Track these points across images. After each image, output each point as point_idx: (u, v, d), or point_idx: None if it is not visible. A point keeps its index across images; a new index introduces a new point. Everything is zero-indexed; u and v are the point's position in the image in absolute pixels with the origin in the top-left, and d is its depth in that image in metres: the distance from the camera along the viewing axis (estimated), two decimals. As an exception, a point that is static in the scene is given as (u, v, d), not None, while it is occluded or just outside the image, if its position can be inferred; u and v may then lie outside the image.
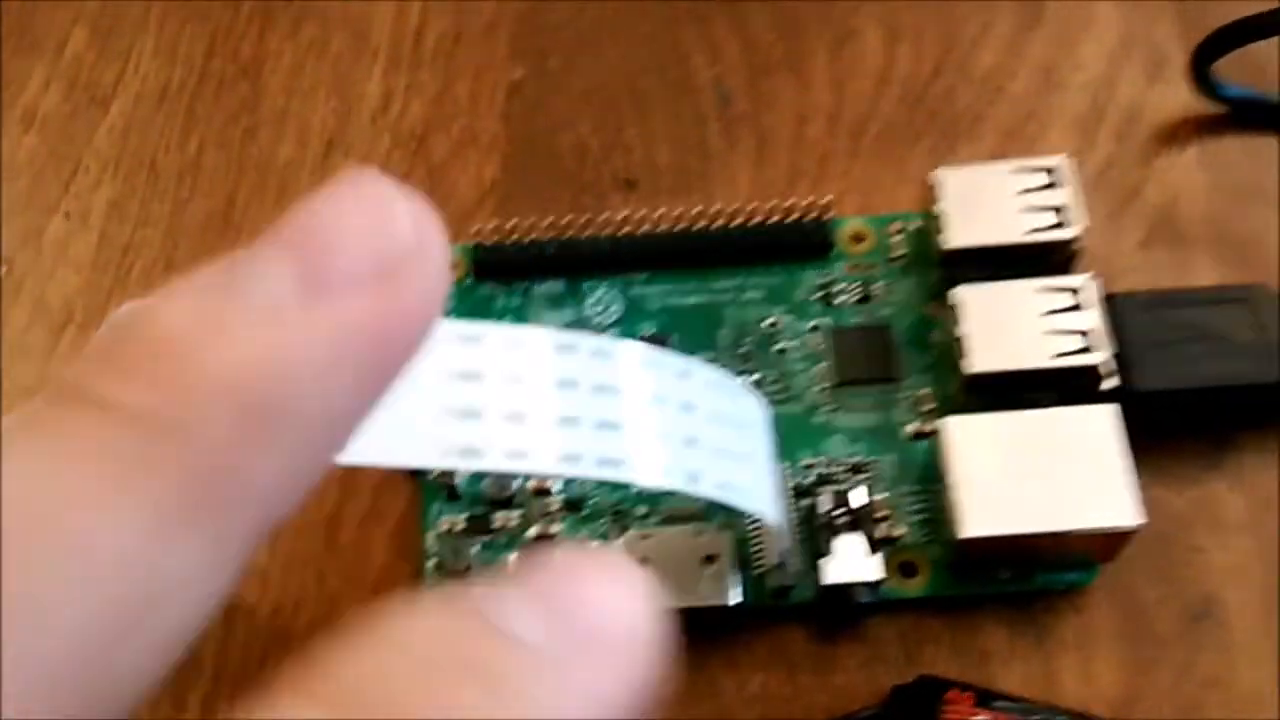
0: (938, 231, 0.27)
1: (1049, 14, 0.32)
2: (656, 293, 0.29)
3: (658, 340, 0.28)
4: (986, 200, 0.27)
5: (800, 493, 0.27)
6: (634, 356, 0.21)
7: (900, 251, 0.29)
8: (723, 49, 0.33)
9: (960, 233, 0.27)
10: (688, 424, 0.21)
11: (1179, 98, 0.31)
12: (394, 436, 0.17)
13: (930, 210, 0.27)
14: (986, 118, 0.31)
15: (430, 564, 0.27)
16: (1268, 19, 0.29)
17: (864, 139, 0.31)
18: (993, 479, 0.24)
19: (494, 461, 0.19)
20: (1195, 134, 0.31)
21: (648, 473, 0.20)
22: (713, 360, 0.28)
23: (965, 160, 0.31)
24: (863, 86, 0.32)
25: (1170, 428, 0.27)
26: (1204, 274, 0.29)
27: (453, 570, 0.26)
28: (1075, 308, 0.26)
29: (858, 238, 0.29)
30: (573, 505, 0.27)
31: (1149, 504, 0.26)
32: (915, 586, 0.26)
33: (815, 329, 0.28)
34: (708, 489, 0.21)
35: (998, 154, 0.31)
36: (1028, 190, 0.27)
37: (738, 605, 0.25)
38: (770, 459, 0.24)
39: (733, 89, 0.32)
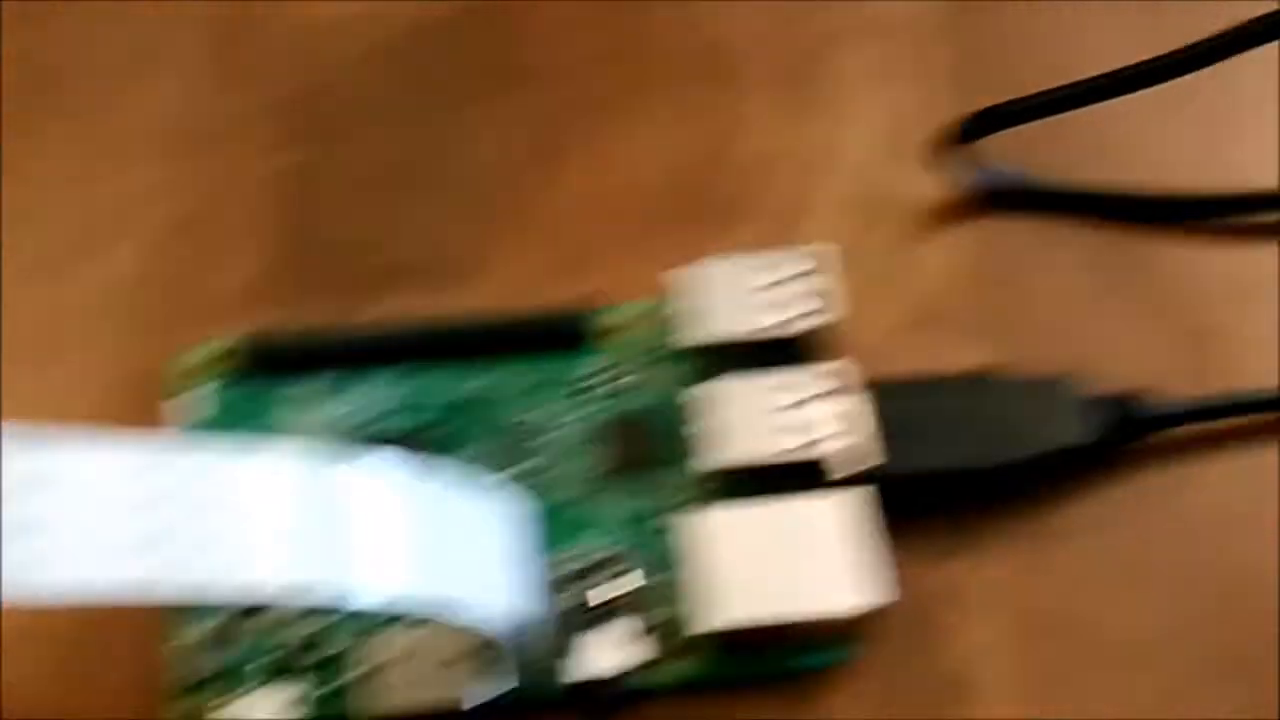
0: (684, 325, 0.27)
1: (817, 97, 0.33)
2: (421, 387, 0.29)
3: (420, 436, 0.28)
4: (736, 291, 0.27)
5: (561, 584, 0.27)
6: (364, 467, 0.21)
7: (659, 342, 0.29)
8: (489, 139, 0.33)
9: (707, 326, 0.27)
10: (419, 536, 0.21)
11: (943, 181, 0.31)
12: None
13: (679, 303, 0.28)
14: (751, 204, 0.32)
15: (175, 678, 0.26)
16: (1023, 104, 0.30)
17: (632, 226, 0.31)
18: (736, 569, 0.25)
19: (184, 590, 0.18)
20: (958, 217, 0.31)
21: (365, 594, 0.20)
22: (474, 456, 0.28)
23: (730, 247, 0.31)
24: (628, 177, 0.32)
25: (922, 508, 0.28)
26: (964, 357, 0.30)
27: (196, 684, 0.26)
28: (824, 396, 0.26)
29: (622, 326, 0.29)
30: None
31: (902, 583, 0.27)
32: (678, 671, 0.26)
33: (576, 421, 0.28)
34: (435, 606, 0.21)
35: (763, 240, 0.31)
36: (779, 280, 0.27)
37: (496, 701, 0.25)
38: (521, 558, 0.24)
39: (500, 180, 0.32)
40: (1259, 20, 0.27)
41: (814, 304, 0.27)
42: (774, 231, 0.31)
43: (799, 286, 0.27)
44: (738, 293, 0.27)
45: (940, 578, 0.27)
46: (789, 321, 0.27)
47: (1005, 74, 0.33)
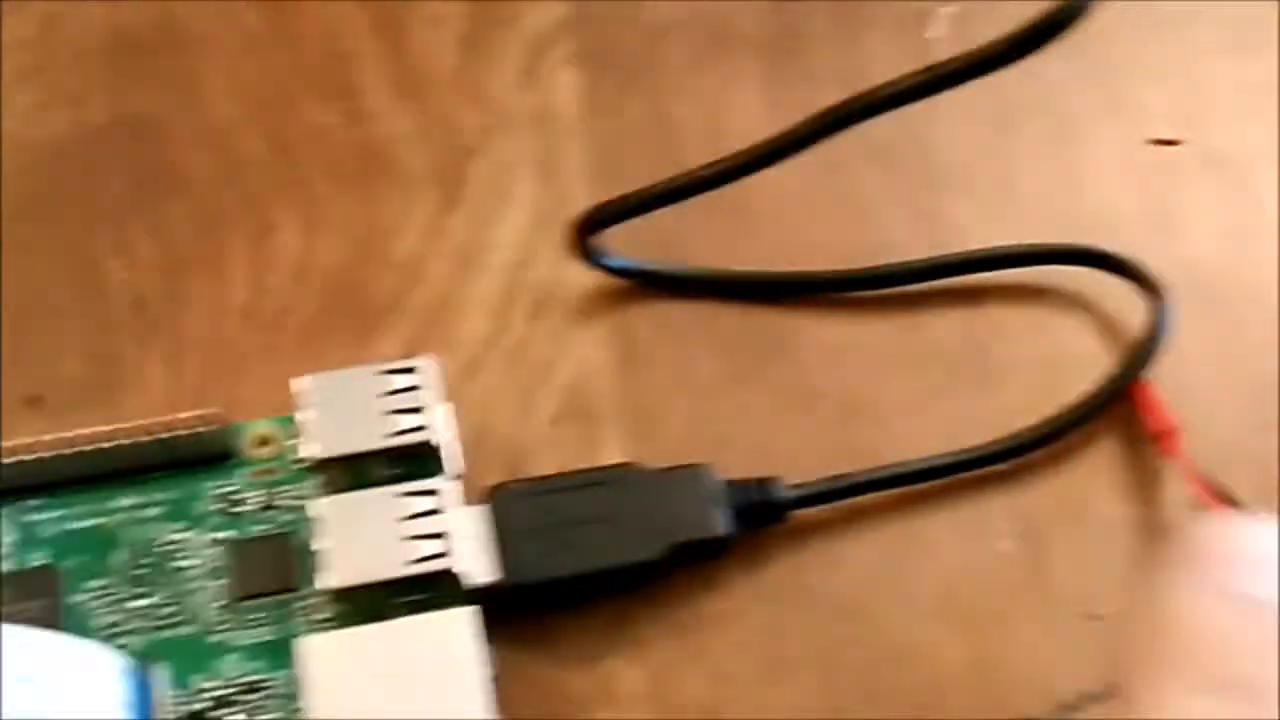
0: (309, 439, 0.27)
1: (468, 194, 0.33)
2: (51, 519, 0.28)
3: (48, 572, 0.27)
4: (351, 405, 0.27)
5: (196, 718, 0.26)
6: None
7: (295, 457, 0.29)
8: (138, 252, 0.32)
9: (323, 442, 0.27)
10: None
11: (591, 272, 0.32)
12: None
13: (305, 416, 0.27)
14: (404, 306, 0.31)
15: None
16: (640, 197, 0.30)
17: (280, 335, 0.31)
18: (348, 695, 0.24)
19: None
20: (606, 308, 0.32)
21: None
22: (104, 585, 0.27)
23: (381, 351, 0.31)
24: (281, 281, 0.32)
25: (566, 608, 0.28)
26: (608, 449, 0.30)
27: None
28: (437, 510, 0.26)
29: (264, 441, 0.29)
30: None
31: (552, 687, 0.27)
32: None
33: (216, 542, 0.28)
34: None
35: (413, 342, 0.31)
36: (394, 391, 0.27)
37: None
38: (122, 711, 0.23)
39: (147, 293, 0.31)
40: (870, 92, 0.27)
41: (433, 415, 0.27)
42: (424, 333, 0.31)
43: (419, 397, 0.27)
44: (359, 405, 0.27)
45: (591, 678, 0.27)
46: (409, 432, 0.27)
47: (648, 163, 0.34)
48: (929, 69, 0.27)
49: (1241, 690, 0.19)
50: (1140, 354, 0.30)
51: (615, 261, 0.31)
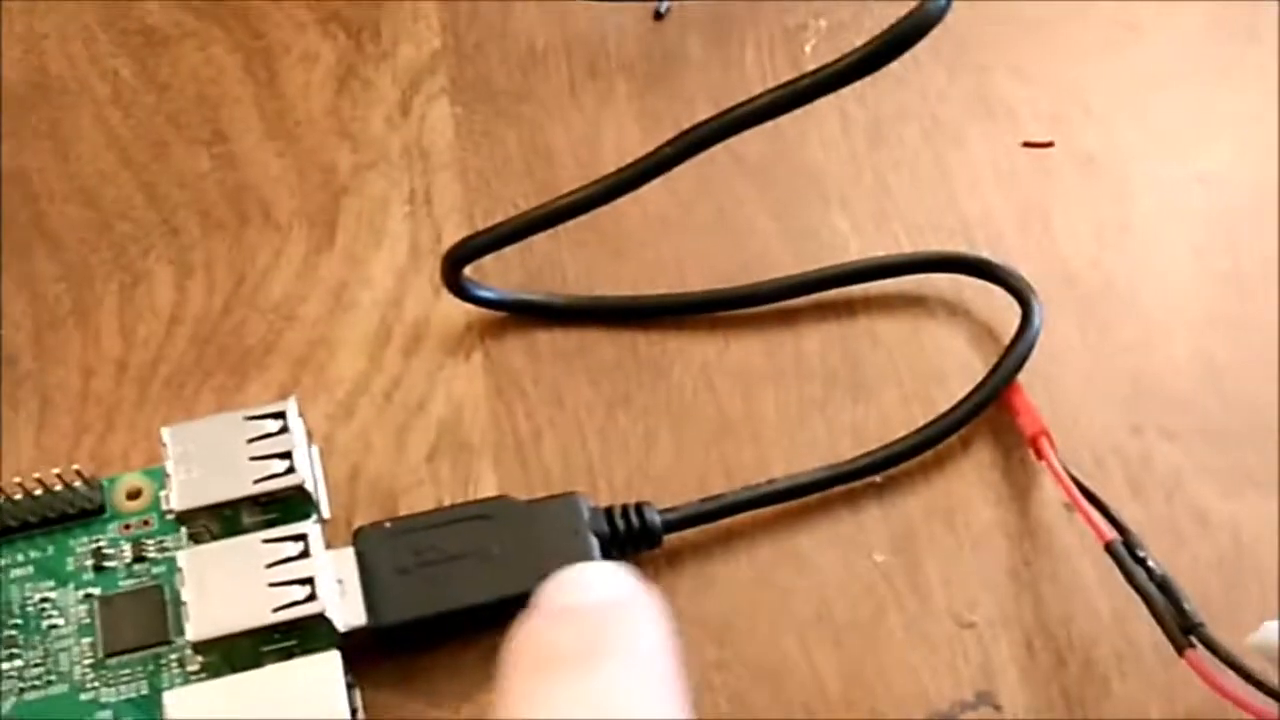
0: (176, 490, 0.27)
1: (341, 233, 0.33)
2: (-83, 583, 0.28)
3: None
4: (217, 453, 0.27)
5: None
6: None
7: (165, 508, 0.28)
8: (7, 309, 0.32)
9: (189, 492, 0.27)
10: None
11: (464, 305, 0.32)
12: None
13: (172, 466, 0.27)
14: (277, 348, 0.31)
15: None
16: (508, 227, 0.30)
17: (153, 385, 0.31)
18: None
19: None
20: (478, 340, 0.32)
21: None
22: (-28, 650, 0.27)
23: (255, 395, 0.31)
24: (153, 330, 0.32)
25: (439, 645, 0.28)
26: (488, 483, 0.30)
27: None
28: (302, 555, 0.26)
29: (133, 494, 0.29)
30: None
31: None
32: None
33: (86, 598, 0.28)
34: None
35: (289, 385, 0.31)
36: (260, 437, 0.27)
37: None
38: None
39: (17, 351, 0.31)
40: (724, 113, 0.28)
41: (300, 458, 0.27)
42: (298, 375, 0.31)
43: (286, 441, 0.27)
44: (225, 453, 0.27)
45: (464, 715, 0.27)
46: (275, 478, 0.27)
47: (523, 192, 0.34)
48: (791, 82, 0.27)
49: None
50: (1009, 359, 0.30)
51: (486, 293, 0.31)
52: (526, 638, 0.20)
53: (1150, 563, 0.27)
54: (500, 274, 0.32)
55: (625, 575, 0.22)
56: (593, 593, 0.21)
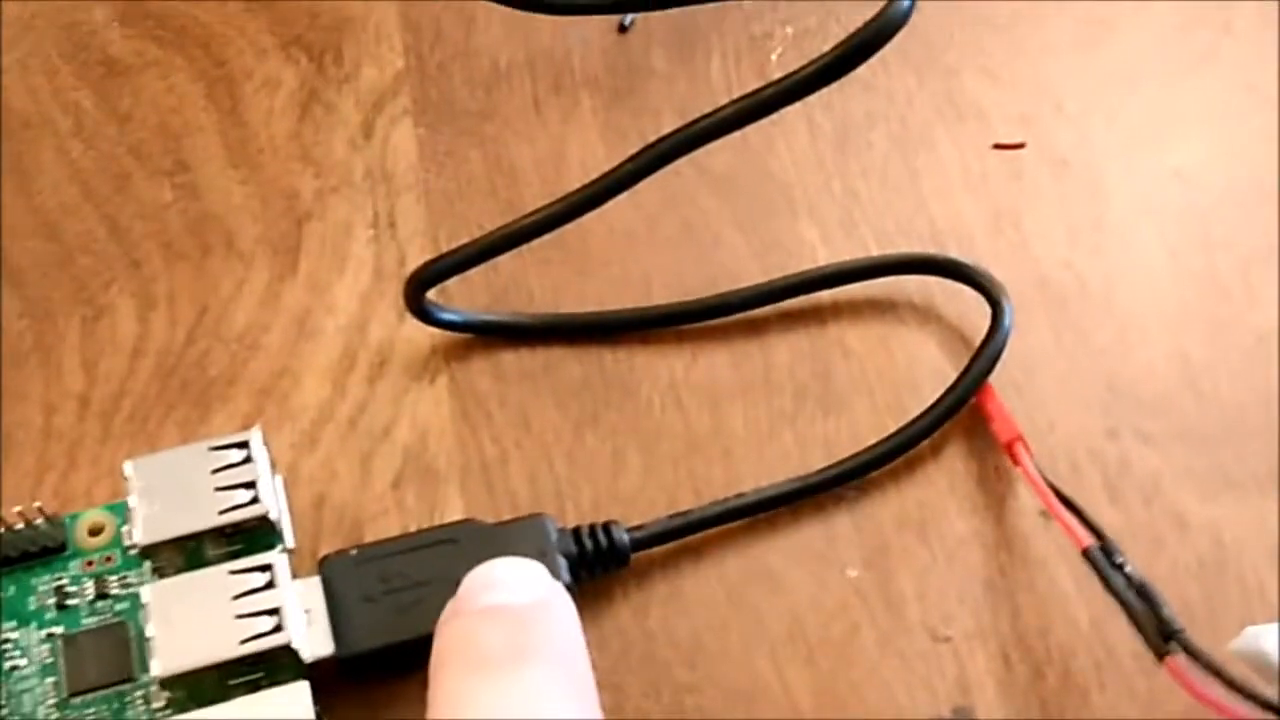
0: (139, 524, 0.26)
1: (304, 260, 0.33)
2: (-120, 626, 0.27)
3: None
4: (180, 486, 0.27)
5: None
6: None
7: (129, 542, 0.28)
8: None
9: (151, 526, 0.26)
10: None
11: (429, 329, 0.31)
12: None
13: (135, 500, 0.27)
14: (240, 378, 0.31)
15: None
16: (471, 249, 0.30)
17: (116, 420, 0.31)
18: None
19: None
20: (444, 364, 0.31)
21: None
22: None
23: (219, 428, 0.30)
24: (115, 364, 0.31)
25: (409, 672, 0.27)
26: (455, 508, 0.29)
27: None
28: (268, 586, 0.26)
29: (96, 530, 0.28)
30: None
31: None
32: None
33: (49, 637, 0.27)
34: None
35: (254, 415, 0.31)
36: (223, 468, 0.27)
37: None
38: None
39: (-19, 385, 0.31)
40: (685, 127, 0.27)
41: (264, 488, 0.27)
42: (262, 405, 0.31)
43: (249, 471, 0.27)
44: (188, 485, 0.27)
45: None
46: (238, 509, 0.26)
47: (487, 211, 0.34)
48: (754, 92, 0.26)
49: None
50: (980, 360, 0.30)
51: (451, 316, 0.31)
52: (454, 637, 0.20)
53: (1128, 569, 0.27)
54: (466, 294, 0.32)
55: (545, 573, 0.22)
56: (517, 593, 0.21)
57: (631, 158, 0.28)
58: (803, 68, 0.26)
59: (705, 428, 0.30)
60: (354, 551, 0.27)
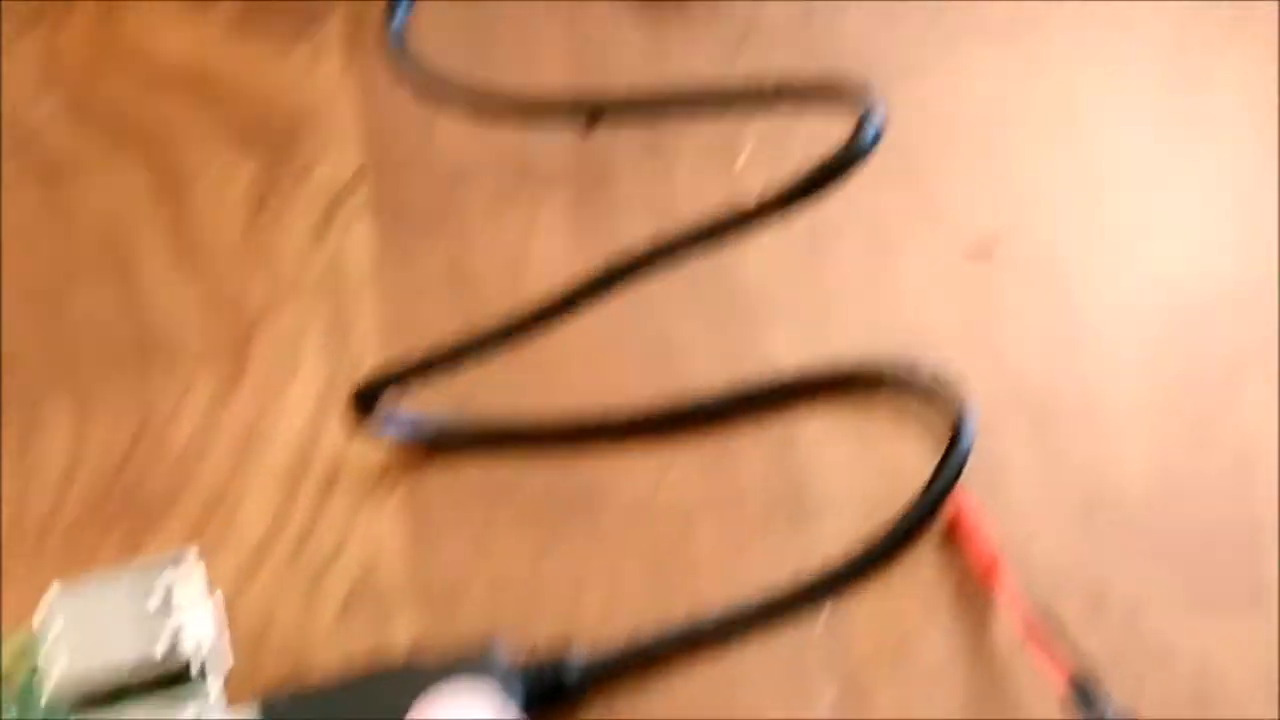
0: (54, 660, 0.25)
1: (252, 369, 0.32)
2: None
3: None
4: (105, 613, 0.25)
5: None
6: None
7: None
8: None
9: (70, 659, 0.25)
10: None
11: (378, 441, 0.30)
12: None
13: (50, 633, 0.25)
14: (182, 495, 0.30)
15: None
16: (423, 360, 0.29)
17: (49, 539, 0.29)
18: None
19: None
20: (396, 477, 0.30)
21: None
22: None
23: (158, 548, 0.29)
24: (49, 481, 0.30)
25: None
26: (406, 634, 0.28)
27: None
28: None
29: (19, 657, 0.27)
30: None
31: None
32: None
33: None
34: None
35: (194, 533, 0.29)
36: (155, 593, 0.25)
37: None
38: None
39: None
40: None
41: (197, 614, 0.25)
42: (204, 525, 0.29)
43: (182, 596, 0.25)
44: (113, 613, 0.25)
45: None
46: (165, 644, 0.25)
47: (445, 315, 0.32)
48: (732, 210, 0.27)
49: None
50: (940, 480, 0.29)
51: (402, 428, 0.30)
52: None
53: (1114, 704, 0.25)
54: (425, 399, 0.31)
55: (494, 701, 0.23)
56: None
57: (596, 273, 0.28)
58: (784, 185, 0.26)
59: (670, 545, 0.29)
60: (289, 692, 0.26)
